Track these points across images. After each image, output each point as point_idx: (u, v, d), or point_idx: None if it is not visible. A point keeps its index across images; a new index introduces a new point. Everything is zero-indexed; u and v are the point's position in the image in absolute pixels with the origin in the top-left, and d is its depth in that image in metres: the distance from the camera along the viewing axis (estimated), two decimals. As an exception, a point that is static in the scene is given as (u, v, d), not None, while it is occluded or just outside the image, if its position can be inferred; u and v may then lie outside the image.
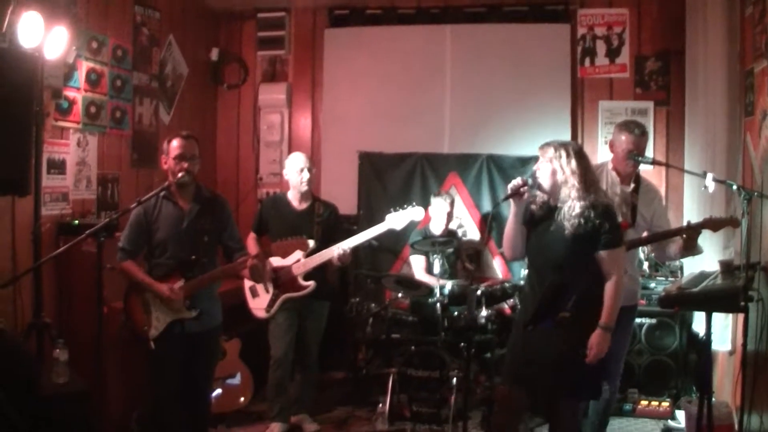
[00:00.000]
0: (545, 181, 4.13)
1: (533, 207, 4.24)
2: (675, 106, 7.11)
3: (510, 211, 4.26)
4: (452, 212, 6.68)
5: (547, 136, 7.13)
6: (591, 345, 3.94)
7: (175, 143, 4.59)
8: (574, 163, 4.04)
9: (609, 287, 4.00)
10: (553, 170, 4.09)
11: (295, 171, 5.76)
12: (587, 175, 4.05)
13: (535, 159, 7.00)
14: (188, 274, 4.56)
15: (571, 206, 4.00)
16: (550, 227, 4.09)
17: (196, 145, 4.69)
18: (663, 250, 4.90)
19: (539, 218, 4.20)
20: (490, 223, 6.85)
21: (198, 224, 4.64)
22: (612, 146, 4.94)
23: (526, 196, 4.17)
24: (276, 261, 5.64)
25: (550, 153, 4.11)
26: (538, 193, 4.18)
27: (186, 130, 4.86)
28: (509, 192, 4.16)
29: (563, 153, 4.07)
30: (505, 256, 4.45)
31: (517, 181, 4.17)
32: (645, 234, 4.86)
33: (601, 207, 3.99)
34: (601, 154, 7.12)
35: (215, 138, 8.24)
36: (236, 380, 6.07)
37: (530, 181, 4.15)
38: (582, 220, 3.95)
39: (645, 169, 6.69)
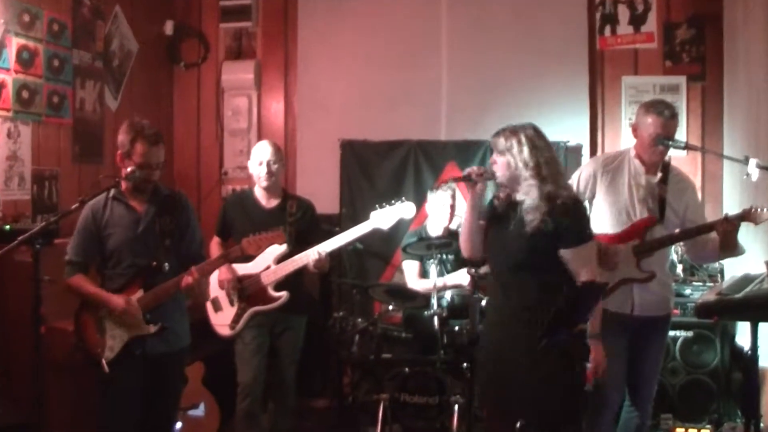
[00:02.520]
0: (501, 175, 4.18)
1: (496, 202, 4.31)
2: (711, 81, 7.13)
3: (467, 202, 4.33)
4: (455, 206, 6.64)
5: (562, 118, 7.32)
6: (591, 360, 4.03)
7: (140, 148, 4.49)
8: (526, 152, 4.09)
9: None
10: (507, 162, 4.14)
11: (255, 164, 5.75)
12: (543, 164, 4.10)
13: (547, 145, 7.14)
14: (149, 283, 4.55)
15: (529, 201, 4.07)
16: (511, 224, 4.14)
17: (163, 147, 4.64)
18: (697, 250, 4.90)
19: (501, 214, 4.25)
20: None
21: (157, 227, 4.62)
22: (635, 130, 4.93)
23: (479, 186, 4.23)
24: (241, 268, 5.61)
25: (501, 144, 4.17)
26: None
27: (139, 117, 4.78)
28: (463, 175, 4.26)
29: (514, 142, 4.12)
30: (462, 253, 4.47)
31: (474, 168, 4.28)
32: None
33: (560, 199, 4.04)
34: (625, 139, 7.14)
35: (171, 126, 8.22)
36: (200, 411, 6.03)
37: (490, 171, 4.23)
38: (539, 216, 4.01)
39: (677, 156, 6.71)
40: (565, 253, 4.03)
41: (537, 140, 4.16)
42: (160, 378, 4.64)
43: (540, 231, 3.99)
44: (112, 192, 4.61)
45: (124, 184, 4.61)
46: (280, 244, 4.92)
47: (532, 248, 4.02)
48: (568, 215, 4.01)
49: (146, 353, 4.54)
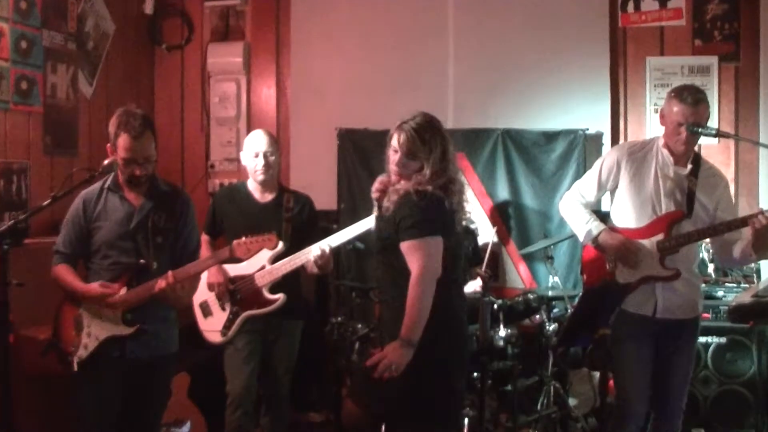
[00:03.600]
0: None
1: None
2: (746, 61, 7.10)
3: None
4: (465, 199, 6.63)
5: (580, 104, 7.31)
6: (383, 354, 4.07)
7: (123, 142, 4.48)
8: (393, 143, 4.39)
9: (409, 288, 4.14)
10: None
11: (249, 155, 5.72)
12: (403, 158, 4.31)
13: (564, 133, 7.13)
14: (134, 282, 4.55)
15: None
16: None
17: (153, 139, 4.60)
18: (727, 250, 4.89)
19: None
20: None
21: (151, 223, 4.63)
22: (662, 117, 4.94)
23: None
24: (233, 269, 5.60)
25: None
26: None
27: (133, 106, 4.71)
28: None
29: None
30: None
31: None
32: None
33: (402, 191, 4.24)
34: (650, 126, 7.12)
35: (153, 114, 8.16)
36: (185, 428, 6.03)
37: None
38: (384, 209, 4.31)
39: (708, 144, 6.70)
40: (401, 247, 4.19)
41: (406, 132, 4.38)
42: (140, 387, 4.63)
43: (385, 217, 4.29)
44: (108, 182, 4.64)
45: (120, 175, 4.64)
46: (271, 249, 4.86)
47: (381, 245, 4.36)
48: (404, 207, 4.20)
49: (125, 357, 4.53)
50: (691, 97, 4.75)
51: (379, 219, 4.39)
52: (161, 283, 4.44)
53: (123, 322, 4.52)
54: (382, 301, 4.44)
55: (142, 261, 4.56)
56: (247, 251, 4.67)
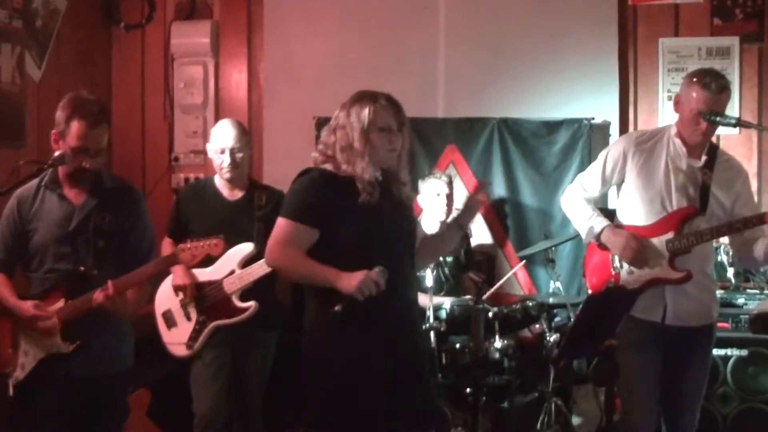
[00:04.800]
0: None
1: None
2: (771, 42, 7.13)
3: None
4: (452, 196, 6.65)
5: (585, 90, 7.33)
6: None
7: (76, 129, 4.40)
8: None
9: None
10: None
11: (214, 150, 5.71)
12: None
13: (567, 123, 7.13)
14: (73, 292, 4.47)
15: None
16: None
17: (108, 130, 4.54)
18: (747, 250, 4.88)
19: None
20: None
21: (93, 224, 4.55)
22: (677, 103, 4.91)
23: None
24: (199, 274, 5.60)
25: None
26: None
27: (86, 91, 4.64)
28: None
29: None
30: None
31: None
32: None
33: None
34: (663, 115, 7.15)
35: (110, 102, 8.18)
36: (145, 451, 6.04)
37: None
38: None
39: (727, 134, 6.72)
40: None
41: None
42: (91, 408, 4.56)
43: None
44: (45, 178, 4.56)
45: (60, 170, 4.55)
46: (215, 254, 4.76)
47: None
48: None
49: (70, 376, 4.45)
50: (716, 84, 4.71)
51: None
52: (99, 296, 4.34)
53: (63, 339, 4.43)
54: None
55: (81, 268, 4.47)
56: (191, 257, 4.59)
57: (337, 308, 3.89)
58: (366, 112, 4.21)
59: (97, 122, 4.42)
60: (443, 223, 6.52)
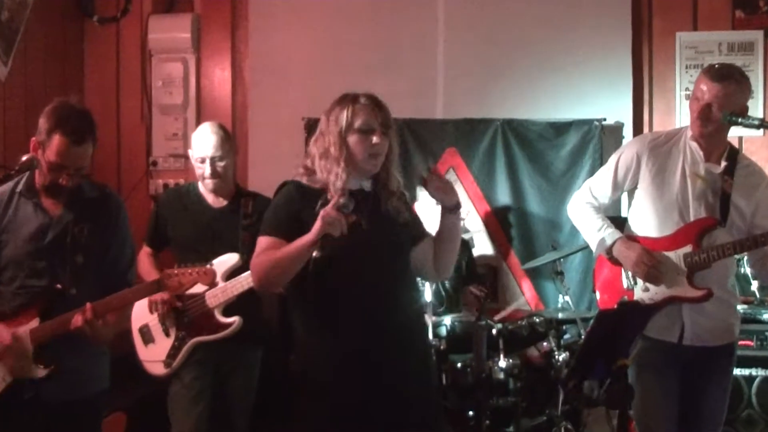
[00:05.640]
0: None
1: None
2: (798, 36, 7.14)
3: None
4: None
5: (597, 89, 7.35)
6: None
7: (57, 144, 4.32)
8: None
9: None
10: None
11: (195, 159, 5.70)
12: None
13: (577, 124, 7.13)
14: (48, 311, 4.43)
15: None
16: None
17: (93, 147, 4.49)
18: (766, 264, 4.89)
19: None
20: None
21: (70, 238, 4.51)
22: (692, 103, 4.90)
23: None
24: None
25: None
26: None
27: (77, 97, 4.63)
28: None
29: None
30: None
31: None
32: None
33: None
34: (681, 116, 7.18)
35: (82, 101, 8.03)
36: (121, 480, 6.03)
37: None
38: None
39: (751, 137, 6.72)
40: None
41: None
42: None
43: None
44: (20, 185, 4.51)
45: (38, 177, 4.50)
46: (205, 284, 4.66)
47: None
48: None
49: (40, 400, 4.40)
50: (717, 71, 4.73)
51: None
52: (77, 320, 4.29)
53: (35, 361, 4.40)
54: None
55: (58, 286, 4.42)
56: (178, 285, 4.51)
57: (315, 254, 3.98)
58: (344, 114, 4.22)
59: (81, 140, 4.35)
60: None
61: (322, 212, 3.92)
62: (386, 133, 4.23)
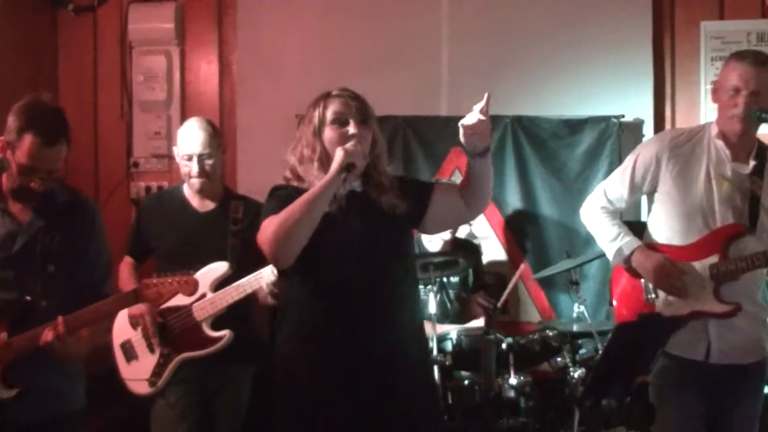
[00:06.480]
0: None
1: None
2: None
3: None
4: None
5: (614, 83, 7.35)
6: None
7: (27, 144, 4.29)
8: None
9: None
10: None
11: (181, 157, 5.70)
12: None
13: (592, 122, 7.14)
14: (17, 326, 4.39)
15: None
16: None
17: (67, 148, 4.44)
18: None
19: None
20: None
21: (41, 246, 4.50)
22: (715, 92, 4.90)
23: None
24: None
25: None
26: None
27: (49, 94, 4.62)
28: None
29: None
30: None
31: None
32: None
33: None
34: (706, 112, 7.17)
35: (56, 97, 8.10)
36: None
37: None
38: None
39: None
40: None
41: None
42: None
43: None
44: None
45: (5, 180, 4.48)
46: (187, 294, 4.60)
47: None
48: None
49: (8, 421, 4.38)
50: (754, 57, 4.69)
51: None
52: (48, 335, 4.25)
53: (2, 381, 4.36)
54: None
55: (27, 298, 4.39)
56: (157, 295, 4.45)
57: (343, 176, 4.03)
58: (317, 111, 4.30)
59: (53, 140, 4.32)
60: (447, 242, 6.53)
61: (339, 148, 4.02)
62: (365, 124, 4.24)
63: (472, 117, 4.06)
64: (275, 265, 4.53)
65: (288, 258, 4.15)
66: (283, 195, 4.22)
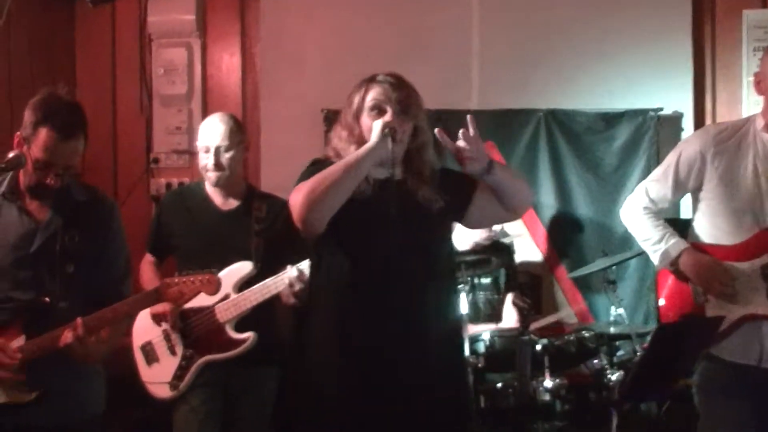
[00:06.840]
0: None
1: None
2: None
3: None
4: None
5: (652, 75, 7.32)
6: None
7: (44, 138, 4.29)
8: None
9: None
10: None
11: (200, 149, 5.69)
12: None
13: (630, 115, 7.10)
14: (34, 327, 4.40)
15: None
16: None
17: (84, 143, 4.45)
18: None
19: None
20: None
21: (59, 245, 4.48)
22: (758, 83, 4.86)
23: None
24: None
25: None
26: None
27: (67, 88, 4.57)
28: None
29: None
30: None
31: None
32: None
33: None
34: (748, 103, 7.12)
35: (74, 92, 8.08)
36: None
37: None
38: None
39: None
40: None
41: None
42: None
43: None
44: (3, 186, 4.47)
45: (22, 177, 4.47)
46: (210, 293, 4.60)
47: None
48: None
49: (27, 426, 4.37)
50: None
51: None
52: (67, 336, 4.24)
53: (21, 385, 4.36)
54: None
55: (46, 299, 4.39)
56: (179, 295, 4.49)
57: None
58: (358, 95, 4.30)
59: (70, 135, 4.32)
60: (477, 243, 6.51)
61: (376, 130, 4.05)
62: (405, 114, 4.22)
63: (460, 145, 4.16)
64: (302, 228, 4.46)
65: (317, 222, 4.12)
66: (323, 167, 4.18)
